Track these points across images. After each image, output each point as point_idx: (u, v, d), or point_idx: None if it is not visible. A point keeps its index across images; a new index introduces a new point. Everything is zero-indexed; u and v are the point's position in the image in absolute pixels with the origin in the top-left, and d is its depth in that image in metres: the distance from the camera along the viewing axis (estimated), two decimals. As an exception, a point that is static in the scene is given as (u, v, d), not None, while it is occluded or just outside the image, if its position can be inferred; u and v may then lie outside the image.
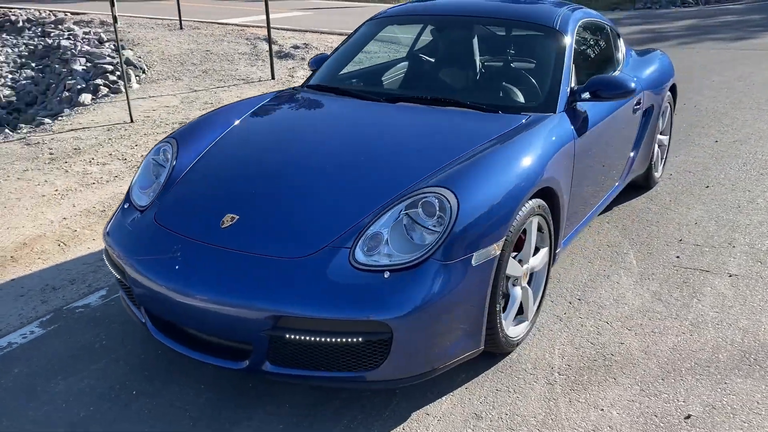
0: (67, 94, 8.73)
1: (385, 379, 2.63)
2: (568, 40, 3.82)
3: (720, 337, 3.29)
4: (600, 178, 3.94)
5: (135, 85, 8.87)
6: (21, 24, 13.86)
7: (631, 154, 4.53)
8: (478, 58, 4.02)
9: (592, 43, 4.37)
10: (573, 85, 3.67)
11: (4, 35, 13.20)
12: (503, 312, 3.03)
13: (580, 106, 3.66)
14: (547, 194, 3.20)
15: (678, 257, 4.12)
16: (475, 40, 4.06)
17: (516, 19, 4.06)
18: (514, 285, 3.09)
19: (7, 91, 9.84)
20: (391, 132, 3.39)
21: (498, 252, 2.76)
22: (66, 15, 14.75)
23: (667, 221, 4.62)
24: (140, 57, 10.21)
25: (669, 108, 5.18)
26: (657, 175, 5.18)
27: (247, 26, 13.86)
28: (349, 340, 2.54)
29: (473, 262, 2.67)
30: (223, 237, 2.78)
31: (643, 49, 5.34)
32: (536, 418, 2.76)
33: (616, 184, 4.35)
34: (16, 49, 11.83)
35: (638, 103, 4.38)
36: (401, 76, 4.22)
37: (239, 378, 3.00)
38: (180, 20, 13.28)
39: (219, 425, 2.72)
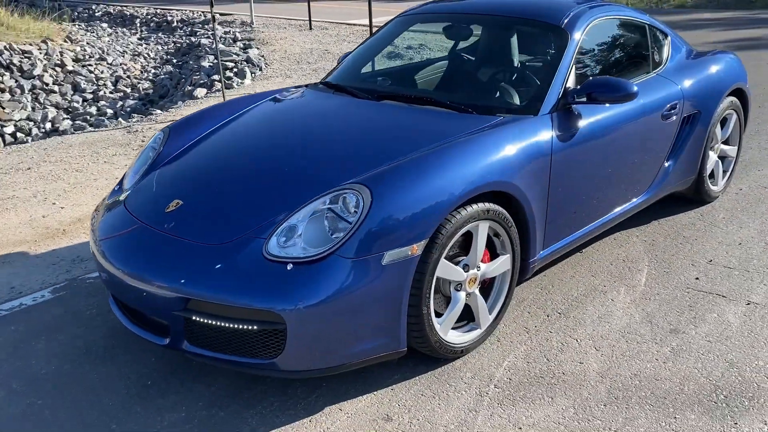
0: (189, 88, 9.43)
1: (293, 369, 2.66)
2: (572, 40, 3.60)
3: (697, 368, 2.99)
4: (604, 189, 3.68)
5: (248, 81, 9.40)
6: (175, 24, 15.12)
7: (666, 164, 4.18)
8: (474, 57, 3.90)
9: (617, 42, 4.09)
10: (570, 86, 3.46)
11: (159, 34, 14.48)
12: (441, 316, 2.95)
13: (579, 109, 3.46)
14: (507, 200, 3.08)
15: (697, 279, 3.76)
16: (481, 39, 3.95)
17: (524, 16, 3.89)
18: (457, 290, 2.99)
19: (146, 84, 10.81)
20: (355, 130, 3.39)
21: (416, 253, 2.70)
22: (216, 16, 15.89)
23: (706, 239, 4.23)
24: (263, 55, 10.79)
25: (735, 116, 4.71)
26: (716, 189, 4.73)
27: (376, 26, 14.16)
28: (247, 327, 2.60)
29: (384, 261, 2.63)
30: (163, 220, 2.94)
31: (710, 51, 4.88)
32: (447, 427, 2.67)
33: (637, 197, 4.03)
34: (165, 47, 12.95)
35: (672, 108, 4.04)
36: (399, 75, 4.18)
37: (181, 357, 3.15)
38: (309, 21, 13.84)
39: (147, 395, 2.88)
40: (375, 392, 2.88)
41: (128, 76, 11.00)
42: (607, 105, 3.57)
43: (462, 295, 3.01)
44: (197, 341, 2.74)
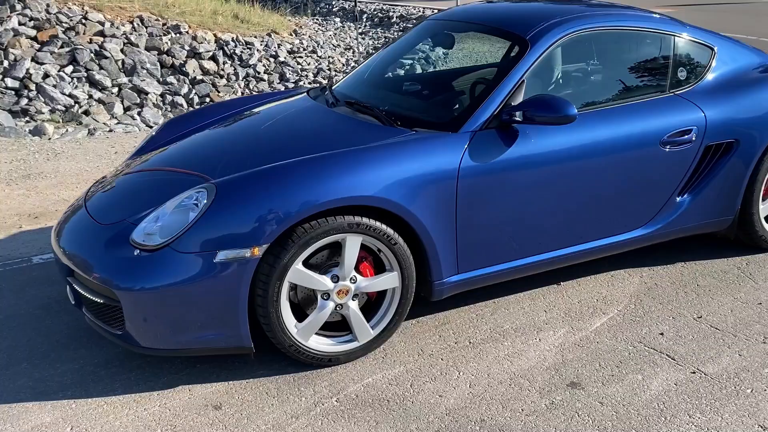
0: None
1: (139, 344, 2.87)
2: (531, 53, 3.30)
3: (559, 430, 2.67)
4: (559, 220, 3.34)
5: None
6: (394, 19, 15.75)
7: (677, 199, 3.63)
8: (433, 67, 3.71)
9: (616, 57, 3.61)
10: (513, 104, 3.20)
11: (378, 29, 15.22)
12: (301, 321, 2.98)
13: (527, 129, 3.20)
14: (394, 218, 2.99)
15: (661, 334, 3.27)
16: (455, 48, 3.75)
17: (498, 25, 3.60)
18: (324, 298, 2.99)
19: (340, 76, 11.56)
20: (284, 134, 3.47)
21: (257, 255, 2.78)
22: (434, 11, 16.25)
23: (723, 292, 3.61)
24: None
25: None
26: (776, 234, 3.97)
27: None
28: (95, 299, 2.91)
29: (217, 259, 2.76)
30: (94, 201, 3.34)
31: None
32: (260, 427, 2.73)
33: (627, 232, 3.55)
34: (376, 42, 13.61)
35: (682, 135, 3.50)
36: (375, 82, 4.05)
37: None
38: None
39: (58, 348, 3.29)
40: (227, 382, 3.01)
41: (329, 68, 11.83)
42: (571, 126, 3.24)
43: (329, 304, 3.00)
44: (86, 308, 3.11)
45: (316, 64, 12.09)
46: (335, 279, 2.99)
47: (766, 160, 3.75)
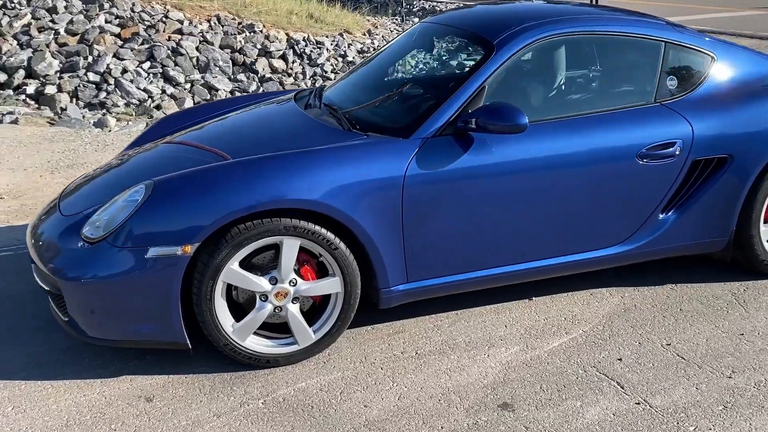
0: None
1: (85, 333, 2.98)
2: (495, 58, 3.18)
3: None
4: (520, 234, 3.21)
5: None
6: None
7: (660, 216, 3.40)
8: (403, 73, 3.62)
9: (596, 64, 3.39)
10: (469, 110, 3.10)
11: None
12: (240, 320, 3.01)
13: (485, 138, 3.10)
14: (335, 223, 2.97)
15: (620, 359, 3.08)
16: (428, 53, 3.64)
17: (472, 30, 3.47)
18: (262, 300, 3.01)
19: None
20: (254, 135, 3.50)
21: (188, 253, 2.83)
22: None
23: (705, 320, 3.36)
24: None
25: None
26: (785, 260, 3.65)
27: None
28: (45, 287, 3.06)
29: (148, 255, 2.83)
30: (69, 193, 3.49)
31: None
32: (180, 422, 2.78)
33: (601, 249, 3.36)
34: (447, 44, 13.48)
35: (664, 148, 3.27)
36: (358, 87, 3.98)
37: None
38: None
39: (14, 336, 3.41)
40: (168, 375, 3.07)
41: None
42: (537, 136, 3.12)
43: (267, 306, 3.02)
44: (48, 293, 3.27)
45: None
46: (273, 281, 3.00)
47: (767, 179, 3.45)
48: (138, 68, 9.72)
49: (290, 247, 2.96)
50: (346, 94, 3.68)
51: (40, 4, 10.25)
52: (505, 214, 3.19)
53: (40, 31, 9.88)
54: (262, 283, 2.98)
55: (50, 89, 8.98)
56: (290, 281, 3.01)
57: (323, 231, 2.96)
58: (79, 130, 7.30)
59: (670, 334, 3.26)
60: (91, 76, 9.38)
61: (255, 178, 2.90)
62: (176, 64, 10.00)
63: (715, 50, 3.56)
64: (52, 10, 10.25)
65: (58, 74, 9.35)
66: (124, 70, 9.60)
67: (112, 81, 9.40)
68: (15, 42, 9.74)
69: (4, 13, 10.16)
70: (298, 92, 4.04)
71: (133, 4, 10.71)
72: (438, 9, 16.64)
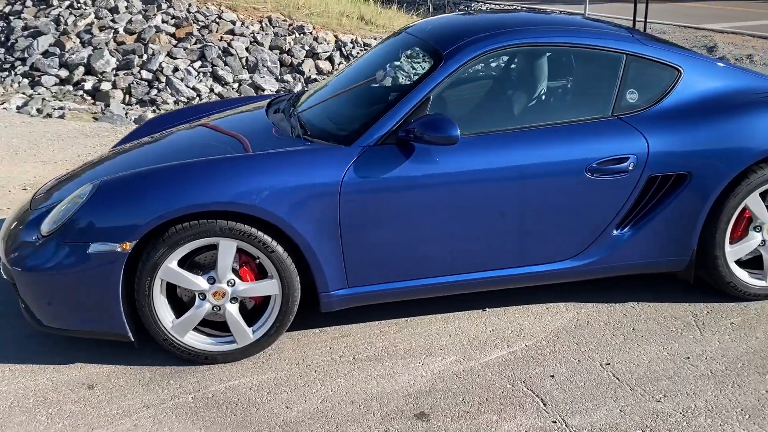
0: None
1: (40, 321, 3.15)
2: (442, 69, 3.18)
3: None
4: (460, 245, 3.20)
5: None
6: None
7: (615, 232, 3.31)
8: (364, 82, 3.62)
9: (550, 76, 3.31)
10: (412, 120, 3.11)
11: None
12: (178, 316, 3.13)
13: (429, 149, 3.10)
14: (272, 226, 3.05)
15: (552, 376, 3.03)
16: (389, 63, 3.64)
17: (430, 41, 3.45)
18: (201, 298, 3.12)
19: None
20: (214, 138, 3.61)
21: (125, 250, 2.97)
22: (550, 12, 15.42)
23: (654, 340, 3.27)
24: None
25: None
26: (758, 284, 3.47)
27: (723, 32, 12.23)
28: (4, 275, 3.26)
29: (90, 250, 2.98)
30: (45, 189, 3.70)
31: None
32: (107, 414, 2.92)
33: (549, 264, 3.30)
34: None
35: (617, 163, 3.19)
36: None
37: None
38: (645, 23, 12.50)
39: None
40: (116, 365, 3.22)
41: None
42: (482, 148, 3.11)
43: (206, 305, 3.12)
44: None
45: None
46: (212, 281, 3.10)
47: (732, 198, 3.31)
48: (189, 67, 10.07)
49: (227, 249, 3.06)
50: (312, 101, 3.75)
51: (104, 4, 10.76)
52: (448, 225, 3.18)
53: (101, 30, 10.37)
54: (199, 282, 3.09)
55: (105, 86, 9.44)
56: (228, 281, 3.11)
57: (259, 234, 3.05)
58: (117, 126, 7.65)
59: (613, 353, 3.18)
60: (144, 74, 9.78)
61: (190, 181, 3.00)
62: (226, 64, 10.29)
63: (684, 64, 3.42)
64: (114, 10, 10.75)
65: (114, 71, 9.81)
66: (176, 69, 9.96)
67: (163, 79, 9.77)
68: (78, 40, 10.26)
69: (71, 13, 10.73)
70: (277, 97, 4.14)
71: (190, 5, 11.09)
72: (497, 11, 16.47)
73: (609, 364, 3.11)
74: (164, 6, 10.90)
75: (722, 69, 3.52)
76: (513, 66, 3.48)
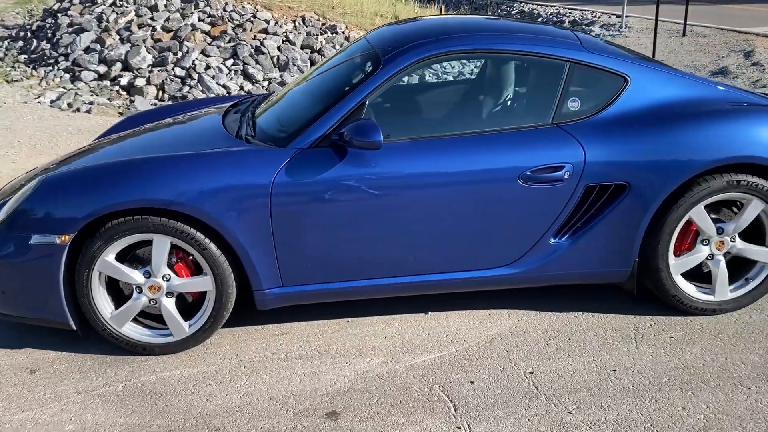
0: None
1: None
2: (379, 74, 3.20)
3: None
4: (391, 248, 3.22)
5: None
6: (565, 24, 14.90)
7: (552, 241, 3.27)
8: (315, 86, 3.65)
9: (489, 82, 3.27)
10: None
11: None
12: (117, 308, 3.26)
13: (366, 152, 3.14)
14: (204, 224, 3.14)
15: (472, 383, 3.02)
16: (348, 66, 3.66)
17: (381, 45, 3.45)
18: (138, 291, 3.23)
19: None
20: (167, 136, 3.72)
21: (64, 242, 3.11)
22: (587, 14, 15.06)
23: (586, 351, 3.21)
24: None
25: (756, 201, 3.24)
26: (705, 299, 3.38)
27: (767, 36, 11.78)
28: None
29: (32, 241, 3.13)
30: (6, 184, 3.88)
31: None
32: (44, 397, 3.07)
33: (482, 270, 3.29)
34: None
35: (552, 171, 3.15)
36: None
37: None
38: (684, 25, 12.13)
39: None
40: (62, 352, 3.37)
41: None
42: (416, 153, 3.14)
43: (142, 298, 3.24)
44: None
45: (459, 66, 12.08)
46: (148, 275, 3.22)
47: (675, 210, 3.22)
48: (221, 65, 10.30)
49: (160, 244, 3.16)
50: (270, 103, 3.83)
51: (144, 3, 11.12)
52: (380, 228, 3.21)
53: (140, 27, 10.73)
54: (134, 275, 3.21)
55: (140, 81, 9.77)
56: (163, 276, 3.22)
57: (192, 231, 3.14)
58: (138, 122, 7.90)
59: (540, 362, 3.15)
60: (178, 71, 10.06)
61: (125, 178, 3.12)
62: (257, 62, 10.49)
63: (632, 72, 3.35)
64: (153, 8, 11.09)
65: (149, 68, 10.13)
66: (208, 66, 10.21)
67: (195, 76, 10.04)
68: (117, 37, 10.64)
69: (113, 10, 11.12)
70: (247, 98, 4.24)
71: (226, 4, 11.34)
72: (536, 12, 16.26)
73: (533, 373, 3.09)
74: (201, 4, 11.18)
75: (674, 78, 3.42)
76: (468, 71, 3.48)
